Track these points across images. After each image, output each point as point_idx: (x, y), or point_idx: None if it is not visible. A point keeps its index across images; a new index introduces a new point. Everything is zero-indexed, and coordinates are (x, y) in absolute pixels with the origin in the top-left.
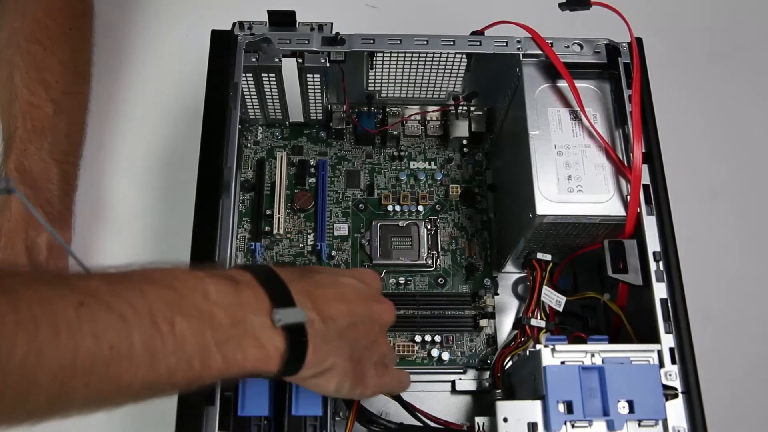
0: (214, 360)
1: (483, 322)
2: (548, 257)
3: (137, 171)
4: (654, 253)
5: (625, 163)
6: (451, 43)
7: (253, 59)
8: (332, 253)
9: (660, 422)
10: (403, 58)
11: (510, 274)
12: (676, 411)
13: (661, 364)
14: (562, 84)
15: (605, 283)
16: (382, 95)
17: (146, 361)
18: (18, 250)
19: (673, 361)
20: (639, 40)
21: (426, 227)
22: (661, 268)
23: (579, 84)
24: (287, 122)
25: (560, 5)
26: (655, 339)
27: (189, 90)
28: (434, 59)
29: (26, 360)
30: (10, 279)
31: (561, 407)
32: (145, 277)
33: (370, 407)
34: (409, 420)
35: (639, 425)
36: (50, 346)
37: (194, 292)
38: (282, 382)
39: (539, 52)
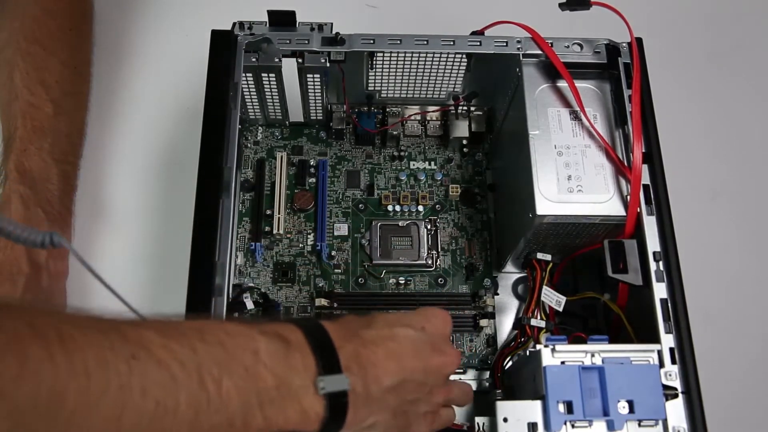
0: (255, 420)
1: (483, 322)
2: (548, 257)
3: (137, 171)
4: (654, 253)
5: (625, 163)
6: (451, 43)
7: (253, 59)
8: (332, 253)
9: (660, 422)
10: (403, 58)
11: (510, 274)
12: (676, 411)
13: (661, 364)
14: (562, 84)
15: (605, 283)
16: (382, 95)
17: (190, 418)
18: (18, 250)
19: (673, 361)
20: (639, 40)
21: (426, 227)
22: (661, 268)
23: (579, 84)
24: (287, 122)
25: (560, 5)
26: (655, 339)
27: (189, 90)
28: (434, 59)
29: (75, 413)
30: (67, 325)
31: (561, 407)
32: (197, 332)
33: None
34: None
35: (639, 425)
36: (100, 401)
37: (245, 350)
38: None
39: (539, 52)
